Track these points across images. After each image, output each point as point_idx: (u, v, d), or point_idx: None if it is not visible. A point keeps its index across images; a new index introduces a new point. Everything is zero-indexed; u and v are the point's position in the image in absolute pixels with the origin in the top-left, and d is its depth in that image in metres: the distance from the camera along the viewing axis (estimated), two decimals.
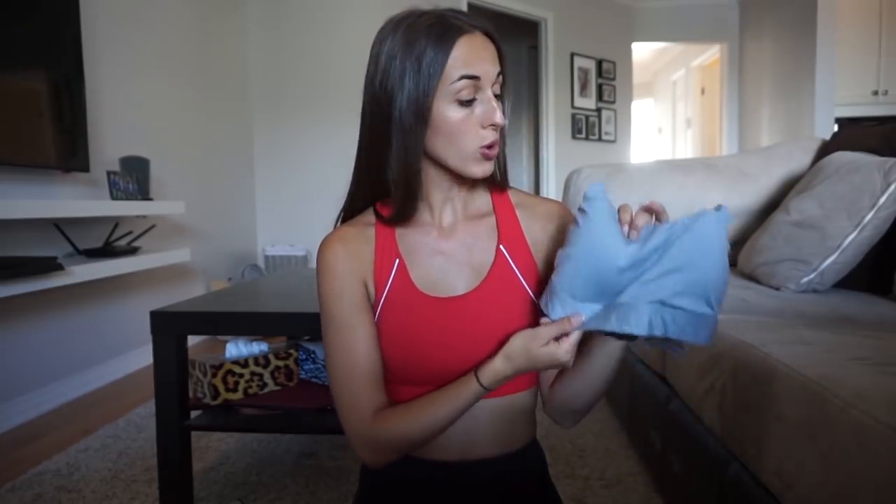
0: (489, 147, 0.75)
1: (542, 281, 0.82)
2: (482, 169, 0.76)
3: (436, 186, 0.81)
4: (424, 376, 0.77)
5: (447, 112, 0.73)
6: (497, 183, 0.85)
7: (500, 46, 0.76)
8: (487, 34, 0.75)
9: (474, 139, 0.74)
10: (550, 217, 0.84)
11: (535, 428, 0.88)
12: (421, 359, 0.77)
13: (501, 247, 0.81)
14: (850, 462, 0.71)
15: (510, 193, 0.86)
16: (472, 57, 0.72)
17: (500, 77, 0.76)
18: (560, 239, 0.82)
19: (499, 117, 0.73)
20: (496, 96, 0.75)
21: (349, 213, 0.86)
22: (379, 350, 0.79)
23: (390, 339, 0.78)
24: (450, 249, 0.81)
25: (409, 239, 0.81)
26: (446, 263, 0.80)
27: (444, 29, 0.73)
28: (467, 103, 0.73)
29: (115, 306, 2.71)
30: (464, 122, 0.73)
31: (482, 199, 0.85)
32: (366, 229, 0.82)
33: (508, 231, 0.82)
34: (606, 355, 0.74)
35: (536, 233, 0.83)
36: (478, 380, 0.73)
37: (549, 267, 0.81)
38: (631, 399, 1.79)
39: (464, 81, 0.72)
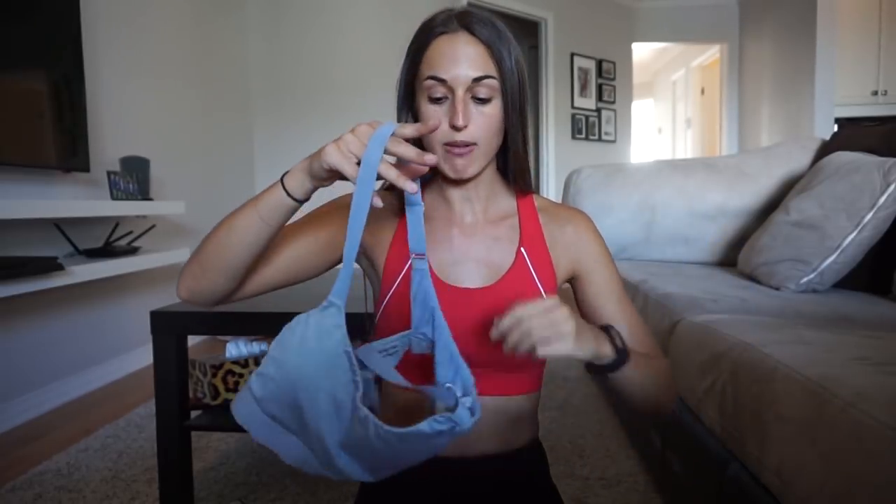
0: (452, 146, 0.75)
1: (558, 283, 0.84)
2: (450, 166, 0.77)
3: (449, 184, 0.82)
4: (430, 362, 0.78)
5: (422, 105, 0.77)
6: (521, 187, 0.85)
7: (493, 48, 0.75)
8: (481, 37, 0.75)
9: (438, 135, 0.76)
10: (568, 219, 0.86)
11: (536, 428, 0.88)
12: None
13: (522, 249, 0.81)
14: (850, 462, 0.71)
15: (535, 198, 0.87)
16: (442, 58, 0.74)
17: (488, 80, 0.75)
18: (573, 242, 0.85)
19: (458, 120, 0.73)
20: (481, 99, 0.75)
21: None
22: (288, 257, 0.80)
23: (401, 318, 0.77)
24: (470, 247, 0.82)
25: (430, 231, 0.82)
26: (465, 259, 0.81)
27: (432, 26, 0.77)
28: (438, 100, 0.75)
29: (115, 306, 2.71)
30: (432, 118, 0.75)
31: (506, 202, 0.86)
32: (397, 207, 0.85)
33: (529, 234, 0.83)
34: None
35: (554, 232, 0.84)
36: (283, 182, 0.69)
37: (563, 269, 0.84)
38: None
39: (430, 81, 0.75)
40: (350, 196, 0.83)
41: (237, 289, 0.77)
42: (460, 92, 0.74)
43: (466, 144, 0.75)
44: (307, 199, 0.71)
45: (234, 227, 0.71)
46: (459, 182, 0.81)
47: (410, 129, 0.66)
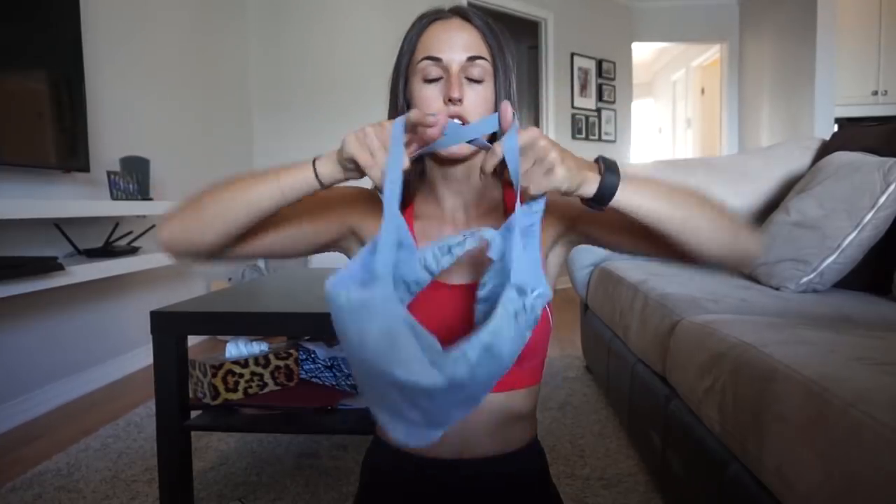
0: None
1: (546, 258, 0.83)
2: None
3: (440, 180, 0.83)
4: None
5: (417, 88, 0.78)
6: (509, 178, 0.85)
7: (484, 33, 0.79)
8: (471, 21, 0.79)
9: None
10: None
11: (535, 427, 0.88)
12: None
13: None
14: (850, 462, 0.71)
15: None
16: (437, 41, 0.77)
17: (481, 61, 0.77)
18: (552, 204, 0.81)
19: (454, 91, 0.75)
20: (474, 80, 0.77)
21: None
22: (286, 235, 0.81)
23: None
24: None
25: (423, 230, 0.83)
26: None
27: (424, 16, 0.80)
28: (433, 81, 0.77)
29: (115, 306, 2.71)
30: (426, 97, 0.77)
31: (495, 195, 0.86)
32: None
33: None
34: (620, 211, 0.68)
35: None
36: (314, 165, 0.71)
37: (551, 237, 0.83)
38: (631, 399, 1.79)
39: (426, 62, 0.77)
40: (358, 189, 0.84)
41: (221, 251, 0.77)
42: (455, 68, 0.76)
43: (462, 123, 0.76)
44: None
45: (250, 191, 0.72)
46: (450, 172, 0.82)
47: (415, 114, 0.68)
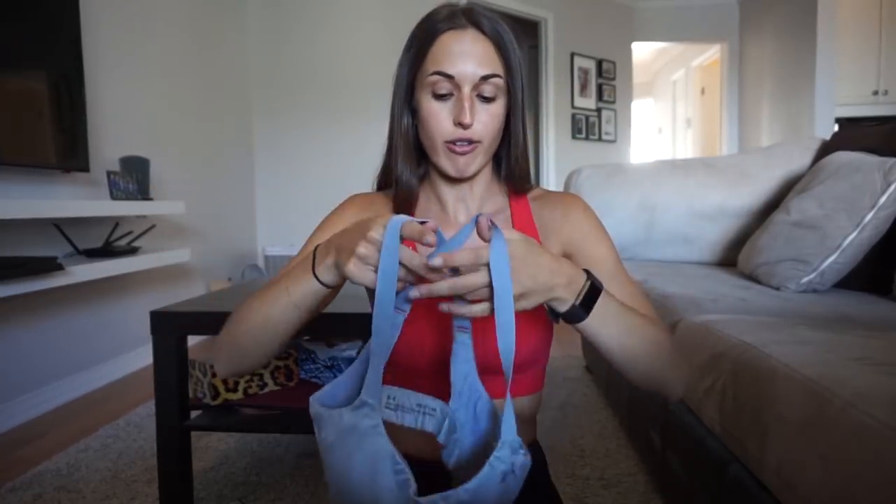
0: (455, 143, 0.75)
1: None
2: (452, 164, 0.77)
3: (444, 183, 0.82)
4: (425, 366, 0.77)
5: (424, 101, 0.76)
6: (515, 185, 0.85)
7: (499, 45, 0.76)
8: (488, 34, 0.76)
9: (442, 132, 0.75)
10: (559, 202, 0.85)
11: (535, 430, 0.88)
12: (421, 345, 0.77)
13: None
14: (850, 462, 0.71)
15: (530, 193, 0.87)
16: (449, 55, 0.74)
17: (495, 79, 0.75)
18: (562, 223, 0.82)
19: (465, 117, 0.73)
20: (485, 98, 0.75)
21: (382, 184, 0.88)
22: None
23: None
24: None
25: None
26: None
27: (437, 21, 0.76)
28: (442, 97, 0.75)
29: (115, 306, 2.71)
30: (436, 115, 0.75)
31: (500, 199, 0.86)
32: (389, 205, 0.84)
33: (520, 228, 0.82)
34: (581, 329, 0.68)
35: (545, 219, 0.83)
36: (314, 271, 0.67)
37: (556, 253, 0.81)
38: (631, 399, 1.79)
39: (436, 77, 0.74)
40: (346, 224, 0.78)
41: (273, 357, 0.81)
42: (467, 89, 0.74)
43: (470, 142, 0.75)
44: None
45: (271, 318, 0.71)
46: (455, 182, 0.81)
47: (409, 230, 0.60)
